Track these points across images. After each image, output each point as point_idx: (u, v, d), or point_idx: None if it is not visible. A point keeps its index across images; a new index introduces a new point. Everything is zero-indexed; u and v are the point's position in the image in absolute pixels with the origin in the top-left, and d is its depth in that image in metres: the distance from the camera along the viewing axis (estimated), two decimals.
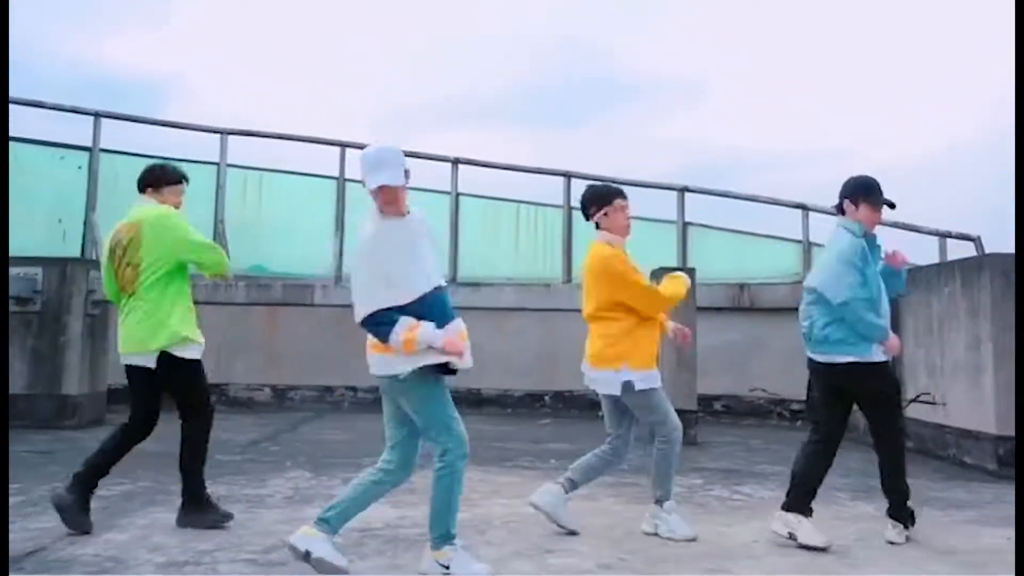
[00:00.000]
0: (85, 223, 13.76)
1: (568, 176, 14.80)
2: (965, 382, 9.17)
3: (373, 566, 4.88)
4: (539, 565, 4.93)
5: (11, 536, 5.22)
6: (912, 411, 10.08)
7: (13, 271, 10.96)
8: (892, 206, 5.82)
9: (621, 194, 5.99)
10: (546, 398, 13.94)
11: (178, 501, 5.83)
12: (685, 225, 14.53)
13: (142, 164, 13.81)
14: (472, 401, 13.76)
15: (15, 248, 11.40)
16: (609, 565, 4.96)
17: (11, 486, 6.70)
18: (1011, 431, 8.45)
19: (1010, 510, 6.77)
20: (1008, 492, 7.56)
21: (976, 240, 12.86)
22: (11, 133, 12.98)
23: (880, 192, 5.78)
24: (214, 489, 6.72)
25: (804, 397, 13.41)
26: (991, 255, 9.49)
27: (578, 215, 14.51)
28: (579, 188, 14.63)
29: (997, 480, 8.19)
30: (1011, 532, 5.98)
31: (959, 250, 12.96)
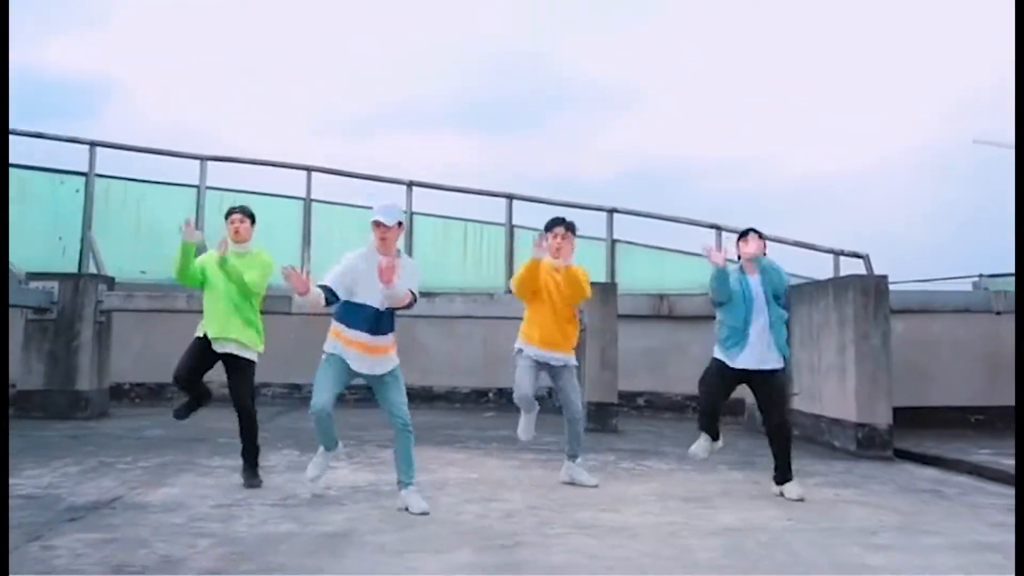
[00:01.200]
0: (82, 239, 15.33)
1: (511, 198, 16.58)
2: (835, 379, 11.18)
3: (364, 507, 6.73)
4: (484, 508, 6.81)
5: (90, 491, 7.05)
6: (797, 404, 12.11)
7: (33, 284, 12.75)
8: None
9: (553, 227, 7.85)
10: (490, 394, 15.85)
11: (201, 468, 7.93)
12: (613, 242, 16.37)
13: (132, 187, 15.75)
14: (424, 397, 15.61)
15: (22, 263, 13.23)
16: (535, 506, 6.88)
17: (61, 460, 8.54)
18: (868, 419, 10.49)
19: (851, 478, 8.73)
20: (859, 466, 9.53)
21: (865, 258, 14.54)
22: (18, 161, 14.74)
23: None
24: (228, 462, 8.61)
25: None
26: (853, 276, 11.57)
27: (519, 232, 16.50)
28: (520, 208, 16.72)
29: (856, 459, 10.15)
30: (841, 491, 7.97)
31: (851, 266, 14.74)
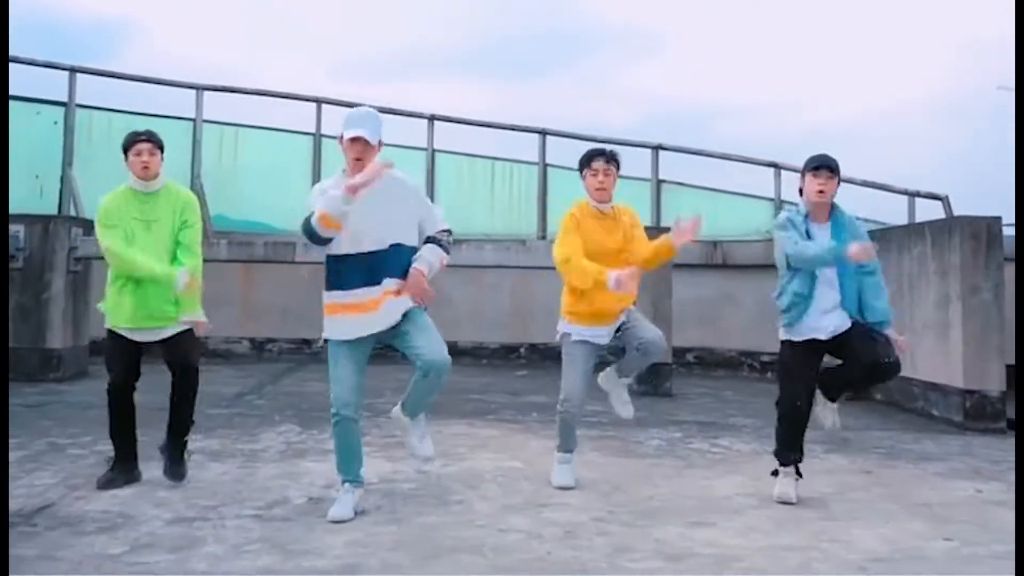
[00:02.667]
0: (62, 178, 13.72)
1: (544, 133, 14.92)
2: (933, 338, 9.43)
3: (374, 520, 5.04)
4: (535, 520, 5.11)
5: (18, 492, 5.38)
6: None
7: None
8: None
9: (591, 161, 5.99)
10: (521, 350, 14.14)
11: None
12: (659, 183, 14.66)
13: (117, 119, 14.09)
14: (449, 353, 13.98)
15: None
16: (601, 518, 5.15)
17: (10, 441, 6.85)
18: (976, 385, 8.77)
19: (978, 463, 7.05)
20: (974, 444, 7.85)
21: (944, 200, 12.95)
22: None
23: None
24: (207, 443, 6.94)
25: (772, 349, 13.73)
26: (960, 217, 9.71)
27: (553, 172, 14.82)
28: (554, 144, 14.99)
29: (963, 432, 8.47)
30: (981, 485, 6.26)
31: (927, 209, 13.17)
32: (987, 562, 4.48)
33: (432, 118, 15.13)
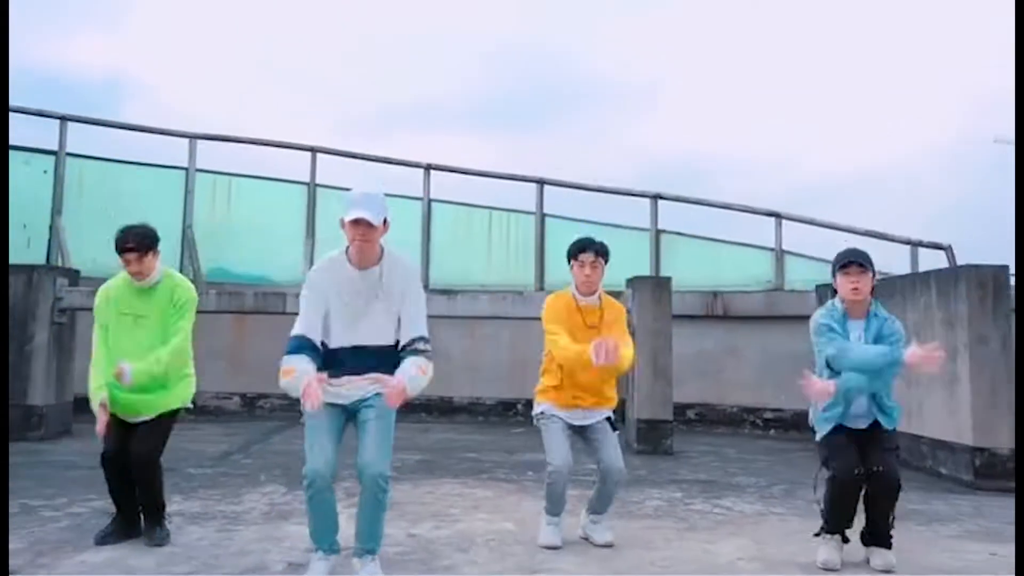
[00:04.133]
0: (51, 228, 13.49)
1: (541, 183, 14.73)
2: (941, 392, 9.15)
3: None
4: None
5: None
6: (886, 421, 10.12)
7: None
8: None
9: (580, 252, 5.86)
10: (518, 406, 13.78)
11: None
12: (658, 233, 14.44)
13: (109, 168, 13.89)
14: (444, 409, 13.72)
15: None
16: None
17: None
18: (986, 442, 8.49)
19: (990, 524, 6.78)
20: (987, 504, 7.57)
21: (947, 249, 12.79)
22: None
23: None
24: (187, 505, 6.67)
25: (776, 405, 13.50)
26: (966, 266, 9.43)
27: (550, 221, 14.61)
28: (552, 194, 14.79)
29: (974, 492, 8.19)
30: (996, 547, 5.97)
31: (929, 259, 12.96)
32: None
33: (428, 167, 14.93)
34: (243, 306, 11.81)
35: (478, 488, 7.85)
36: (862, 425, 5.48)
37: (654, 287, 10.91)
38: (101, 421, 5.51)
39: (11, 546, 5.39)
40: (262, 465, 8.86)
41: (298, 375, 4.52)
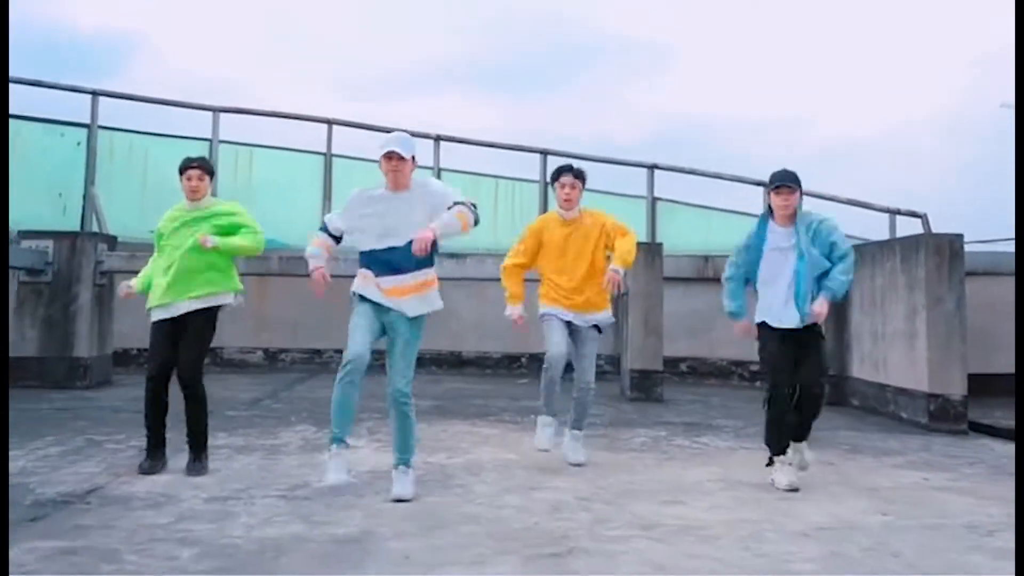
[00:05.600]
0: (85, 196, 14.38)
1: (545, 153, 15.63)
2: (902, 346, 10.13)
3: (385, 499, 5.72)
4: (527, 499, 5.80)
5: (66, 478, 6.10)
6: (857, 372, 11.14)
7: (25, 244, 11.75)
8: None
9: (559, 176, 7.07)
10: (523, 359, 14.82)
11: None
12: (654, 201, 15.34)
13: (137, 140, 14.79)
14: (454, 363, 14.73)
15: (20, 222, 12.21)
16: (585, 497, 5.84)
17: (43, 439, 7.59)
18: (940, 389, 9.47)
19: (932, 457, 7.76)
20: (936, 442, 8.55)
21: (923, 217, 13.60)
22: (14, 111, 13.72)
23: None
24: (232, 440, 7.66)
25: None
26: (925, 235, 10.47)
27: (553, 190, 15.47)
28: (555, 164, 15.53)
29: (927, 432, 9.17)
30: (928, 475, 6.95)
31: (907, 226, 13.81)
32: (915, 531, 5.16)
33: (438, 138, 15.82)
34: (269, 270, 12.71)
35: (486, 428, 8.86)
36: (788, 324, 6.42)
37: (646, 252, 11.76)
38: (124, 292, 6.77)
39: (89, 469, 6.42)
40: (291, 409, 9.85)
41: (315, 249, 5.99)
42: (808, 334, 6.42)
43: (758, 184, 14.82)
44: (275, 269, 12.72)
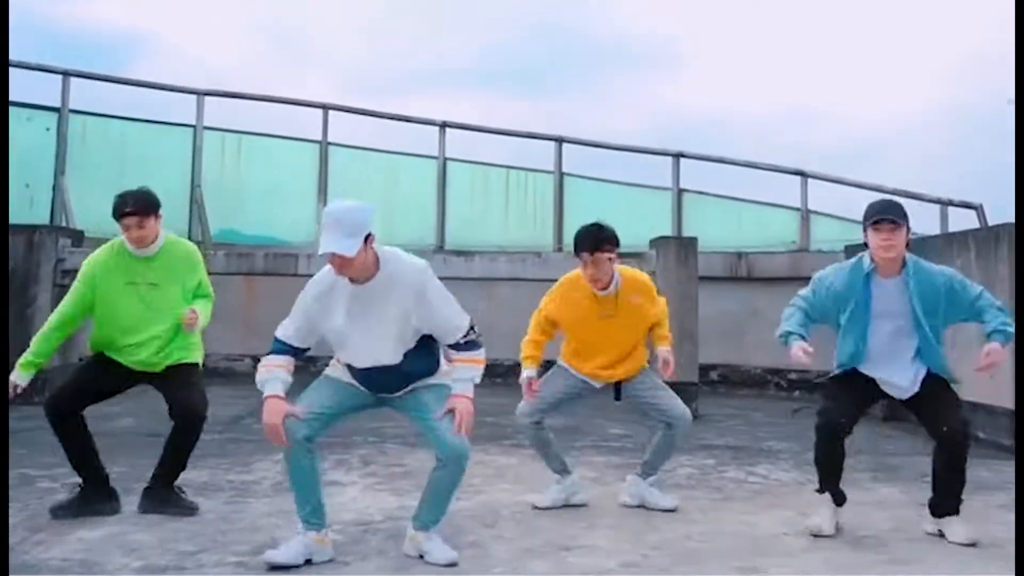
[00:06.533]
0: (54, 187, 13.12)
1: (560, 141, 14.38)
2: (979, 354, 8.79)
3: (376, 567, 4.40)
4: (557, 564, 4.49)
5: None
6: None
7: None
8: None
9: (580, 249, 5.52)
10: None
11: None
12: (680, 192, 14.05)
13: (113, 125, 13.55)
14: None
15: None
16: (634, 563, 4.51)
17: None
18: None
19: None
20: None
21: (979, 209, 12.45)
22: None
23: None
24: (195, 475, 6.29)
25: (801, 367, 13.17)
26: (1006, 225, 9.07)
27: (569, 180, 14.26)
28: (571, 152, 14.41)
29: (1013, 456, 7.81)
30: None
31: (960, 219, 12.61)
32: None
33: (444, 125, 14.59)
34: (253, 268, 11.50)
35: (500, 456, 7.50)
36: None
37: (679, 248, 10.57)
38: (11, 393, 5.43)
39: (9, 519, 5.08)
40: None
41: (270, 374, 4.45)
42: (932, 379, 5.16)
43: (796, 173, 13.60)
44: (261, 268, 11.46)
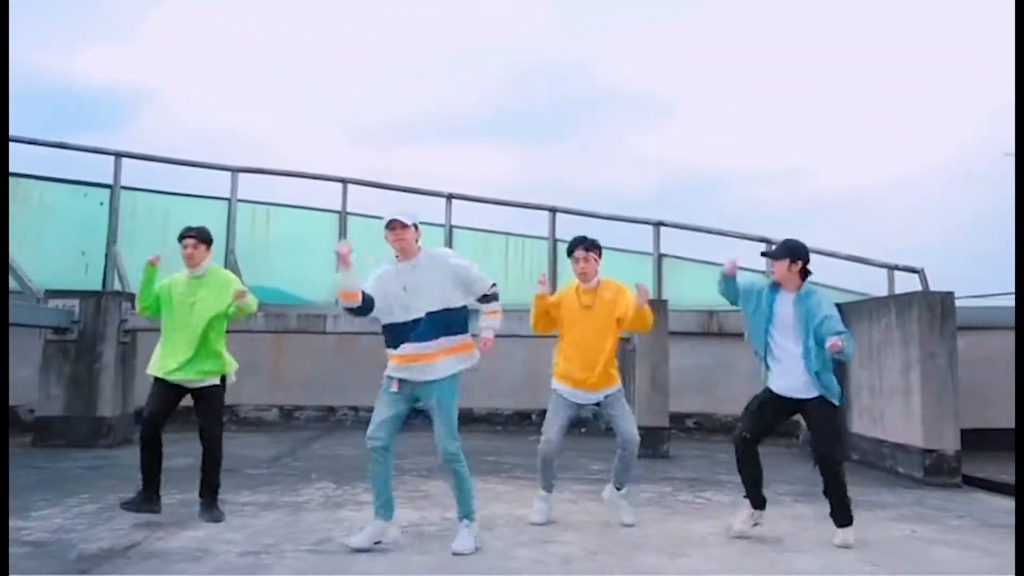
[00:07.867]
0: (107, 255, 14.72)
1: (554, 211, 15.98)
2: (899, 402, 10.50)
3: (406, 552, 6.10)
4: (539, 551, 6.21)
5: (104, 534, 6.50)
6: (856, 426, 11.49)
7: (52, 303, 12.20)
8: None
9: (573, 250, 7.40)
10: (533, 416, 15.07)
11: (229, 505, 7.40)
12: (660, 257, 15.73)
13: (158, 200, 15.23)
14: (464, 419, 14.86)
15: (46, 281, 12.68)
16: (593, 550, 6.24)
17: (77, 497, 8.00)
18: (935, 445, 9.84)
19: (923, 511, 8.12)
20: (929, 496, 8.90)
21: (920, 272, 13.85)
22: (39, 173, 14.28)
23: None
24: (257, 497, 8.02)
25: None
26: (919, 292, 10.86)
27: (562, 247, 15.88)
28: (564, 221, 16.08)
29: (923, 487, 9.53)
30: (918, 527, 7.32)
31: (906, 281, 14.06)
32: None
33: (450, 197, 16.16)
34: (288, 327, 13.10)
35: (498, 484, 9.24)
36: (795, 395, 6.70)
37: (652, 309, 12.19)
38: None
39: (125, 525, 6.80)
40: (310, 467, 10.20)
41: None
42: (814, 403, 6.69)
43: (761, 240, 15.16)
44: (293, 326, 13.11)
